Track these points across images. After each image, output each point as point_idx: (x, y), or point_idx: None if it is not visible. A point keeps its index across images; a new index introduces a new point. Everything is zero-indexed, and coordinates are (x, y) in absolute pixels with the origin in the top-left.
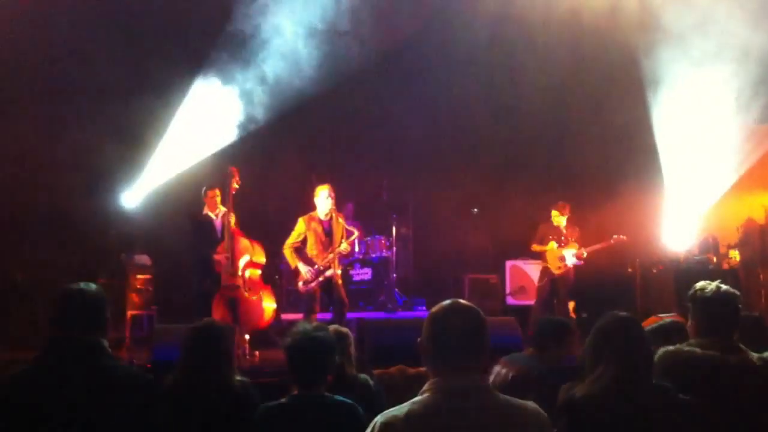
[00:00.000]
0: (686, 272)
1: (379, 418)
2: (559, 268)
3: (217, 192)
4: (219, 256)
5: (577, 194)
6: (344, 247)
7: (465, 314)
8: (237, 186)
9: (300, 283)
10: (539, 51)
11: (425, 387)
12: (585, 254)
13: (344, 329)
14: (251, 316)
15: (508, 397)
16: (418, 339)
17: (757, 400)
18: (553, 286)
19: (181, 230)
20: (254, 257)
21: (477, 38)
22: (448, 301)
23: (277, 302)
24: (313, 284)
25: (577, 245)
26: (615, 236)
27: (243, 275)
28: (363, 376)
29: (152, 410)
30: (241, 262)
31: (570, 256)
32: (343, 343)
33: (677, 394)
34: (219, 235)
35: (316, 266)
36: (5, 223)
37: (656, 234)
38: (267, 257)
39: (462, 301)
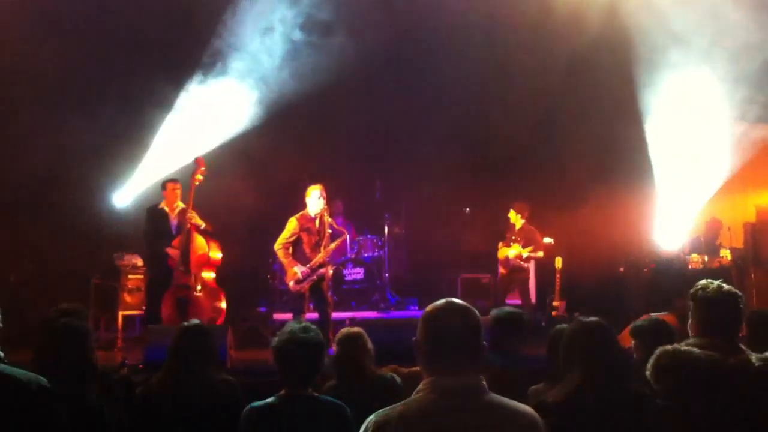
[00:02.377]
0: (662, 272)
1: (372, 418)
2: (504, 266)
3: (177, 186)
4: (173, 251)
5: (569, 193)
6: (332, 247)
7: (461, 314)
8: (201, 178)
9: (291, 282)
10: (533, 53)
11: (420, 386)
12: (525, 255)
13: (357, 329)
14: (200, 318)
15: (503, 398)
16: (414, 338)
17: (754, 402)
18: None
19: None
20: (210, 256)
21: (471, 40)
22: (443, 301)
23: (269, 302)
24: (305, 283)
25: (519, 246)
26: (547, 239)
27: (196, 275)
28: (389, 374)
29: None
30: (195, 261)
31: (512, 255)
32: (359, 342)
33: (651, 398)
34: (173, 230)
35: (309, 265)
36: None
37: (648, 233)
38: (255, 257)
39: (457, 300)
